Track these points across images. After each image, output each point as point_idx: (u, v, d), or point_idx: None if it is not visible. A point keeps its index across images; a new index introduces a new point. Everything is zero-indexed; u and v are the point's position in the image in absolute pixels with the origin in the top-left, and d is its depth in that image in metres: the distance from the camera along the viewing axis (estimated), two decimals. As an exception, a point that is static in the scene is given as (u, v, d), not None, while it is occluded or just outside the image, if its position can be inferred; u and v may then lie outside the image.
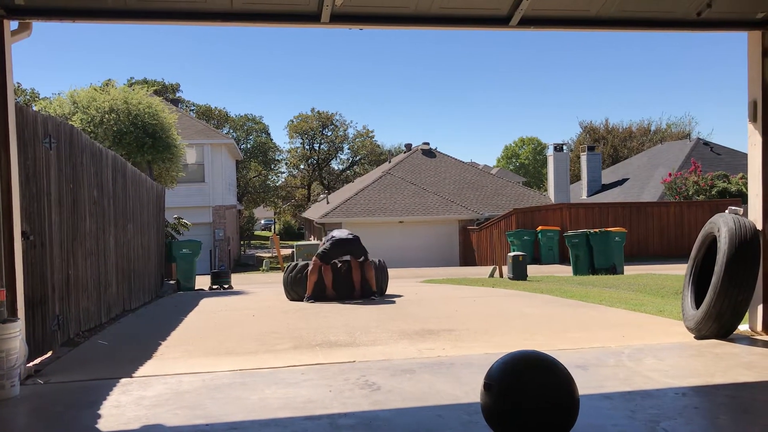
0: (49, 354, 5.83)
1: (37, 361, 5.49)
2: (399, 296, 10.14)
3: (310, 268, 9.83)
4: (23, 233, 5.21)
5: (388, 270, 10.72)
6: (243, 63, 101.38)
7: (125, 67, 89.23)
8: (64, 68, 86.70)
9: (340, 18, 5.24)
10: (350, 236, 10.02)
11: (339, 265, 9.97)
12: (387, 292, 10.46)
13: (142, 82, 43.76)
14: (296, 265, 10.26)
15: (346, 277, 9.96)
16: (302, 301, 9.81)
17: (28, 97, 38.39)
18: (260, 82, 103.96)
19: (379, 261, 10.53)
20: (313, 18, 5.23)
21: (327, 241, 10.04)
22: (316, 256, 9.89)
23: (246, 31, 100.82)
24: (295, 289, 10.04)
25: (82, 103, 15.72)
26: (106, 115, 15.49)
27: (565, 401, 3.18)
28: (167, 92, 49.04)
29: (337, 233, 10.19)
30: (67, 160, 6.54)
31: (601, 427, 3.47)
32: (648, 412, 3.69)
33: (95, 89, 16.51)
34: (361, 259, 9.88)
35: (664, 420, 3.55)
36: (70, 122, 11.66)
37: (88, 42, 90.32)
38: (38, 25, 5.13)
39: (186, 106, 51.75)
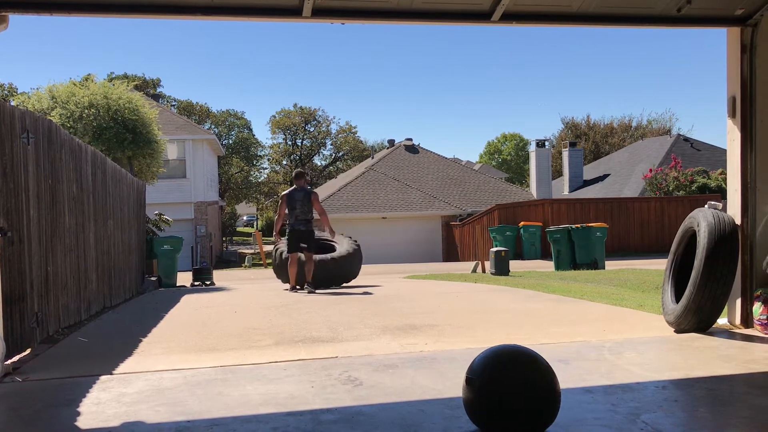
0: (28, 351, 5.76)
1: (16, 358, 5.42)
2: (382, 292, 10.15)
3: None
4: (0, 229, 5.14)
5: (372, 266, 10.76)
6: (225, 58, 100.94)
7: (105, 62, 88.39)
8: (43, 63, 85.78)
9: (321, 12, 5.22)
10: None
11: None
12: (368, 286, 10.45)
13: (122, 76, 43.29)
14: (283, 251, 11.01)
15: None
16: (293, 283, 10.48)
17: (5, 91, 37.85)
18: (242, 77, 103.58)
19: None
20: (294, 12, 5.20)
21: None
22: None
23: (228, 26, 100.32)
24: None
25: (61, 98, 15.52)
26: (86, 111, 15.31)
27: (546, 395, 3.19)
28: (148, 87, 48.59)
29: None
30: (45, 156, 6.46)
31: (583, 421, 3.48)
32: (629, 405, 3.72)
33: (75, 84, 16.31)
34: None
35: (644, 413, 3.58)
36: (49, 117, 11.50)
37: (68, 36, 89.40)
38: (15, 19, 5.05)
39: (167, 102, 51.37)
